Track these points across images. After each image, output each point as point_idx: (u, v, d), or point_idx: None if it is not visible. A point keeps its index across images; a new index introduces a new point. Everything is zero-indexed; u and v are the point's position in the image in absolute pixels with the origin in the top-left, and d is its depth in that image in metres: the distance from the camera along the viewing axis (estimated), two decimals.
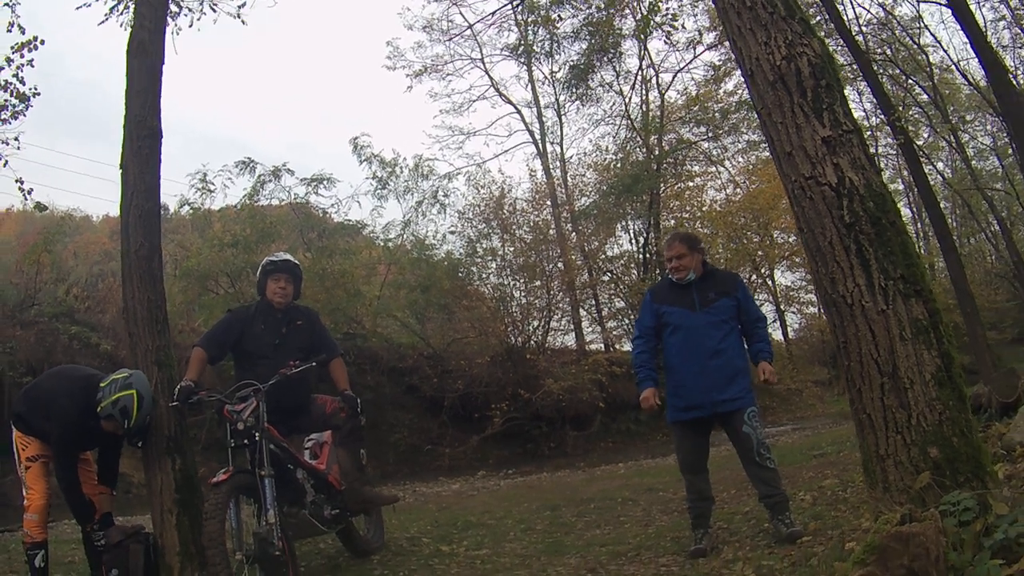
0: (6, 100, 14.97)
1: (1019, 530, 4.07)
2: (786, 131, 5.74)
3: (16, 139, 15.19)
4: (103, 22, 11.36)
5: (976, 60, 22.21)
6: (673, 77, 37.60)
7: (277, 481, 6.59)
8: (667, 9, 17.34)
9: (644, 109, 37.32)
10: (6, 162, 15.18)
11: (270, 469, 6.53)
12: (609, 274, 36.60)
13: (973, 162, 37.33)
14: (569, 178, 38.35)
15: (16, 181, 15.07)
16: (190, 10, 12.08)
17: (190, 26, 12.21)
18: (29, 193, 15.42)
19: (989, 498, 4.51)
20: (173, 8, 10.69)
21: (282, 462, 6.95)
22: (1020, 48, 30.74)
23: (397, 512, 9.90)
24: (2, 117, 15.06)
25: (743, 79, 6.48)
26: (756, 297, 40.23)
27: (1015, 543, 4.06)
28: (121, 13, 11.16)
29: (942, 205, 28.82)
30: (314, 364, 7.42)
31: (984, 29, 21.33)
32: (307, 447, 7.97)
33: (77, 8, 11.79)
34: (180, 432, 7.33)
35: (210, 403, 7.17)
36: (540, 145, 39.24)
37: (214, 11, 12.51)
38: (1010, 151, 33.42)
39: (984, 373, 16.57)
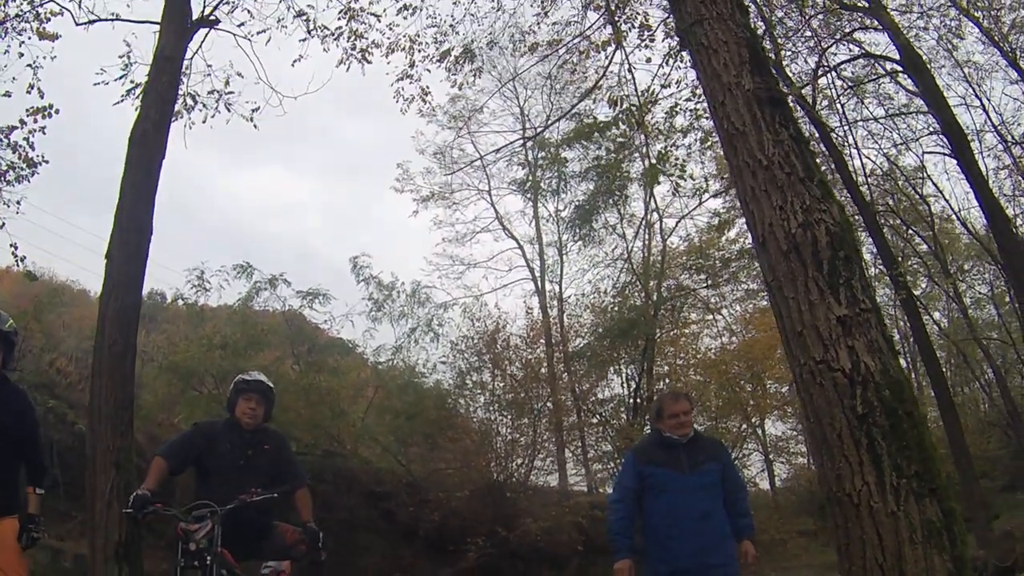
0: (12, 162, 14.96)
1: None
2: (798, 308, 5.49)
3: (18, 203, 15.17)
4: (118, 103, 11.42)
5: (977, 209, 22.45)
6: (676, 223, 37.93)
7: None
8: (676, 159, 17.35)
9: (645, 254, 37.57)
10: (3, 223, 15.10)
11: None
12: (598, 416, 36.31)
13: (970, 311, 37.64)
14: (565, 317, 38.42)
15: (11, 246, 15.02)
16: (204, 106, 12.12)
17: (203, 122, 12.25)
18: (22, 260, 15.35)
19: None
20: (189, 102, 10.69)
21: None
22: (1021, 196, 31.09)
23: None
24: (7, 179, 15.05)
25: (753, 245, 6.24)
26: (745, 447, 40.20)
27: None
28: (137, 96, 11.17)
29: (938, 356, 28.81)
30: (275, 495, 7.14)
31: (986, 177, 21.48)
32: (264, 574, 7.64)
33: (94, 84, 11.81)
34: (132, 539, 7.06)
35: (165, 517, 6.84)
36: (539, 282, 39.39)
37: (228, 111, 12.55)
38: (1007, 299, 33.75)
39: (978, 529, 16.32)
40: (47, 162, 15.03)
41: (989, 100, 33.53)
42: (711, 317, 40.62)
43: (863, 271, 5.63)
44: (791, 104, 6.47)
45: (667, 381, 34.50)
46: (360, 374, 31.60)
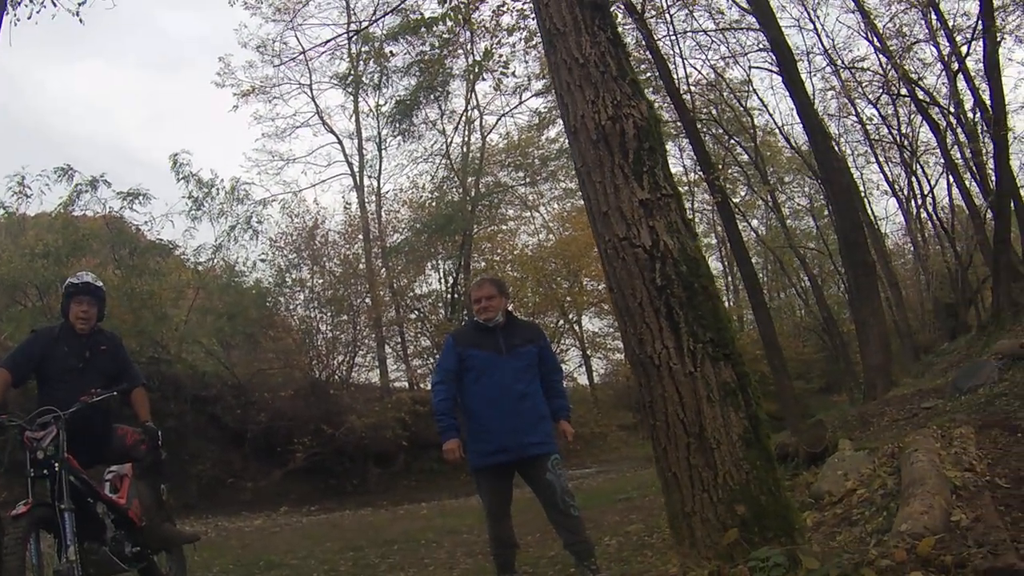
0: None
1: None
2: (604, 191, 5.79)
3: None
4: None
5: (800, 125, 23.13)
6: (497, 120, 38.07)
7: (77, 515, 6.29)
8: (500, 56, 17.46)
9: (465, 150, 37.60)
10: None
11: (70, 503, 6.22)
12: (416, 312, 36.72)
13: (788, 221, 38.93)
14: (384, 213, 38.23)
15: None
16: (31, 1, 11.68)
17: (28, 17, 11.79)
18: None
19: (799, 553, 4.61)
20: None
21: (82, 495, 6.62)
22: (845, 117, 32.31)
23: (199, 549, 9.59)
24: None
25: (566, 135, 6.52)
26: (563, 342, 41.10)
27: None
28: None
29: (754, 261, 29.89)
30: (115, 393, 7.11)
31: (812, 97, 22.24)
32: (107, 479, 7.60)
33: None
34: None
35: (11, 427, 6.80)
36: (358, 178, 38.96)
37: (55, 5, 12.11)
38: (826, 212, 34.91)
39: (791, 422, 17.14)
40: None
41: (823, 24, 34.68)
42: (529, 214, 41.19)
43: (666, 162, 5.96)
44: (614, 10, 6.73)
45: (490, 276, 34.83)
46: (181, 276, 31.03)
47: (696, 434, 5.29)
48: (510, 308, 7.60)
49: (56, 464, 6.32)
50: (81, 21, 13.01)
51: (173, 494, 8.24)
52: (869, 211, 33.83)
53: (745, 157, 33.47)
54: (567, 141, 7.34)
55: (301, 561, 10.20)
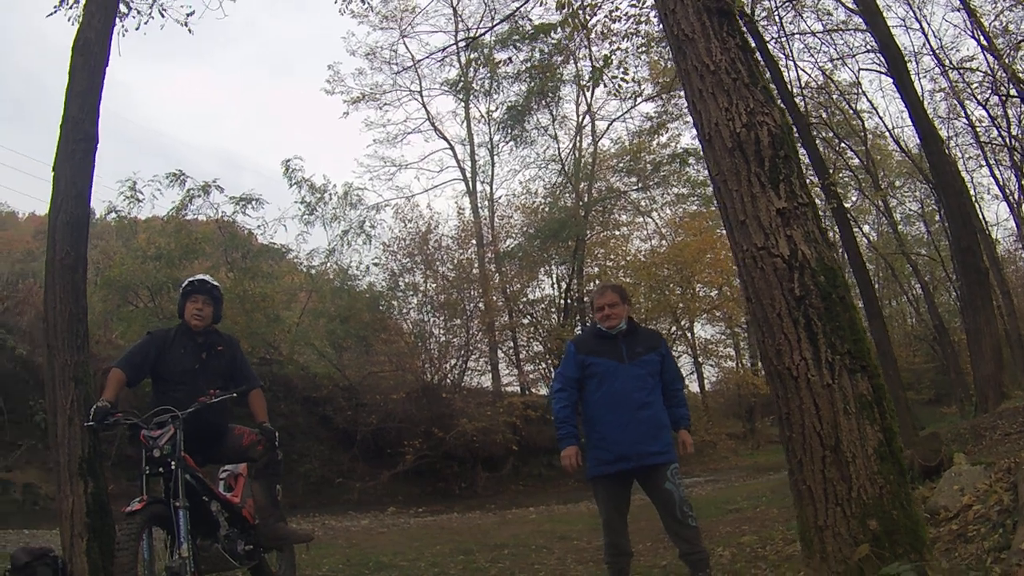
0: None
1: None
2: (741, 200, 5.70)
3: None
4: (52, 14, 11.12)
5: (911, 128, 22.65)
6: (608, 125, 38.02)
7: (191, 513, 6.35)
8: (618, 62, 17.43)
9: (577, 155, 37.55)
10: None
11: (185, 500, 6.28)
12: (529, 317, 36.70)
13: (900, 227, 38.17)
14: (496, 218, 38.38)
15: None
16: (139, 12, 11.86)
17: (136, 28, 11.98)
18: None
19: (928, 568, 4.49)
20: (122, 9, 10.45)
21: (197, 493, 6.68)
22: (955, 119, 31.55)
23: (308, 548, 9.67)
24: None
25: (700, 143, 6.43)
26: (674, 348, 40.79)
27: None
28: (71, 6, 10.94)
29: (867, 268, 29.37)
30: (235, 395, 7.15)
31: (922, 99, 21.73)
32: (221, 478, 7.73)
33: None
34: (94, 454, 7.11)
35: (126, 426, 6.88)
36: (470, 183, 39.22)
37: (163, 16, 12.29)
38: (937, 218, 34.19)
39: (904, 435, 16.73)
40: None
41: (929, 24, 33.92)
42: (641, 220, 41.07)
43: (801, 170, 5.88)
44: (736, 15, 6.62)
45: (597, 282, 34.68)
46: (294, 279, 31.55)
47: (832, 447, 5.18)
48: (631, 316, 7.49)
49: (172, 463, 6.38)
50: (190, 31, 13.23)
51: (283, 494, 8.26)
52: (981, 216, 33.02)
53: (856, 161, 32.89)
54: (681, 144, 7.25)
55: (410, 563, 10.20)
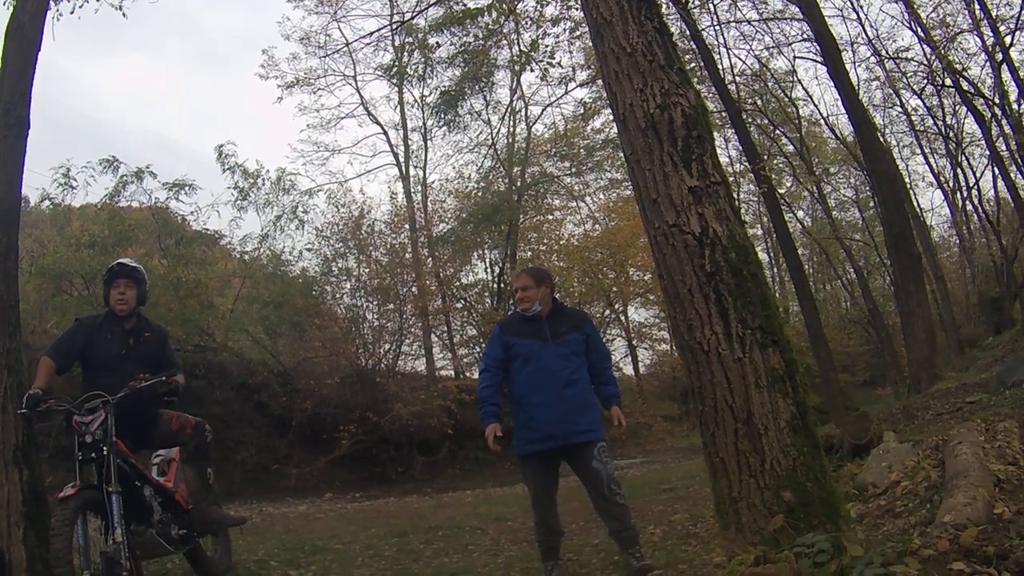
0: None
1: (875, 572, 4.15)
2: (653, 178, 5.82)
3: None
4: None
5: (846, 116, 22.96)
6: (542, 111, 38.20)
7: (124, 498, 6.37)
8: (546, 46, 17.46)
9: (510, 140, 37.63)
10: None
11: (117, 485, 6.30)
12: (463, 301, 36.80)
13: (834, 212, 38.65)
14: (429, 203, 38.30)
15: None
16: None
17: (71, 12, 11.85)
18: None
19: (843, 540, 4.60)
20: None
21: (130, 478, 6.71)
22: (890, 107, 32.04)
23: (244, 533, 9.73)
24: None
25: (615, 123, 6.54)
26: (608, 332, 41.05)
27: None
28: None
29: (800, 252, 29.72)
30: (164, 378, 7.16)
31: (857, 87, 22.06)
32: (154, 463, 7.72)
33: None
34: (28, 442, 7.12)
35: (59, 412, 6.87)
36: (403, 168, 39.16)
37: (97, 0, 12.18)
38: (872, 204, 34.60)
39: (835, 414, 17.00)
40: None
41: (866, 14, 34.35)
42: (575, 204, 41.29)
43: (714, 150, 5.99)
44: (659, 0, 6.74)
45: (530, 267, 34.75)
46: (227, 265, 31.32)
47: (744, 420, 5.32)
48: (556, 297, 7.59)
49: (104, 448, 6.40)
50: (124, 15, 13.12)
51: (218, 480, 8.30)
52: (915, 203, 33.54)
53: (791, 148, 33.20)
54: (615, 130, 7.40)
55: (346, 546, 10.25)
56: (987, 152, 30.09)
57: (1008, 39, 23.92)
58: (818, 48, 22.41)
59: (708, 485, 5.94)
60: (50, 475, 7.91)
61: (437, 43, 29.40)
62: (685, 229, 5.62)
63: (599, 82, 30.89)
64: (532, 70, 20.94)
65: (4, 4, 10.37)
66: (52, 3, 9.63)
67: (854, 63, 28.20)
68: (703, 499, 10.72)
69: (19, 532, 6.68)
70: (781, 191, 31.43)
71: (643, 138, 5.91)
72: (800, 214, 42.00)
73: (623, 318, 43.27)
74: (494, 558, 8.84)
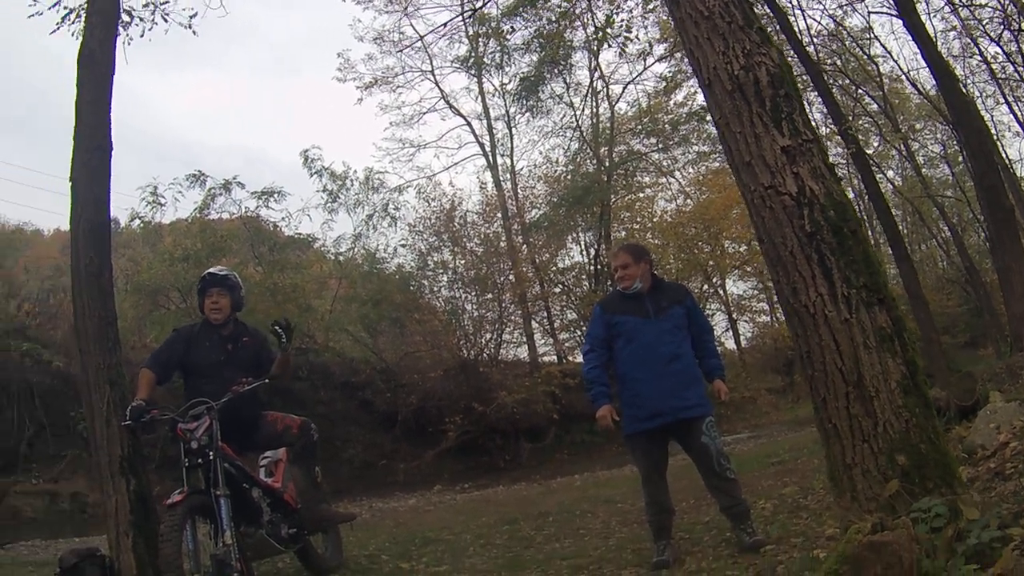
0: None
1: (992, 534, 4.03)
2: (745, 141, 5.68)
3: None
4: (54, 31, 11.18)
5: (927, 70, 22.43)
6: (623, 89, 37.82)
7: (233, 501, 6.45)
8: (621, 21, 17.31)
9: (594, 121, 37.41)
10: None
11: (225, 489, 6.39)
12: (560, 286, 36.60)
13: (923, 170, 37.75)
14: (519, 190, 38.12)
15: None
16: (141, 19, 11.90)
17: (141, 36, 12.02)
18: None
19: (959, 503, 4.46)
20: (125, 18, 10.49)
21: (237, 481, 6.80)
22: (970, 57, 31.15)
23: (354, 529, 9.77)
24: None
25: (700, 89, 6.43)
26: (708, 307, 40.67)
27: (988, 547, 4.02)
28: (72, 22, 11.00)
29: (893, 213, 29.12)
30: (266, 380, 7.23)
31: (935, 39, 21.50)
32: (262, 465, 7.82)
33: (29, 16, 11.54)
34: (133, 452, 7.20)
35: (163, 422, 6.99)
36: (490, 157, 39.13)
37: (165, 21, 12.33)
38: (960, 158, 33.75)
39: (940, 377, 16.61)
40: None
41: None
42: (664, 180, 40.79)
43: (803, 107, 5.83)
44: None
45: (627, 244, 34.46)
46: (322, 267, 31.69)
47: (855, 383, 5.14)
48: (655, 272, 7.49)
49: (210, 453, 6.48)
50: (195, 33, 13.29)
51: (326, 478, 8.36)
52: (1003, 153, 32.57)
53: (874, 107, 32.51)
54: (698, 102, 7.26)
55: (456, 536, 10.26)
56: None
57: None
58: (891, 1, 21.92)
59: (816, 457, 5.82)
60: (158, 484, 8.04)
61: (514, 28, 29.32)
62: (781, 190, 5.47)
63: (677, 55, 30.73)
64: (610, 46, 20.74)
65: (73, 35, 10.58)
66: (121, 29, 9.73)
67: (928, 14, 27.52)
68: (812, 471, 10.54)
69: (128, 540, 6.77)
70: (868, 151, 30.77)
71: (730, 101, 5.78)
72: (890, 174, 41.08)
73: (721, 292, 42.89)
74: (605, 541, 8.76)
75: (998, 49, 29.60)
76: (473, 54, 35.86)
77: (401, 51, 35.96)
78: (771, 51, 5.87)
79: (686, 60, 32.63)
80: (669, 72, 33.81)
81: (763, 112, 5.63)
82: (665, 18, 25.31)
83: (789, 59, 22.24)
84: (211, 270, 8.03)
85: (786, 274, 5.48)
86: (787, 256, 5.44)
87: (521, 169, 40.22)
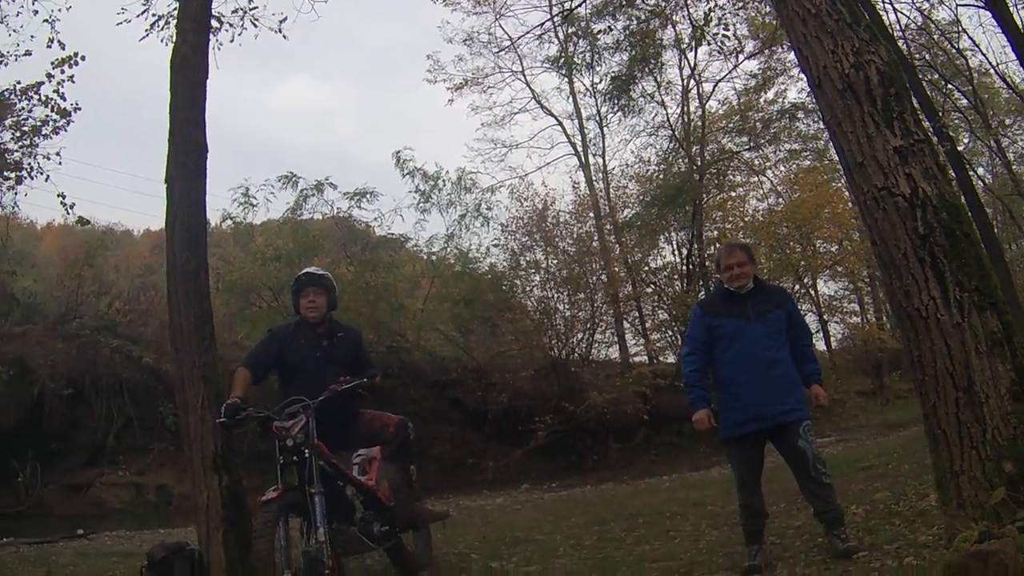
0: (47, 116, 15.16)
1: None
2: (857, 141, 5.64)
3: (58, 154, 15.47)
4: (144, 38, 11.40)
5: (1016, 63, 21.97)
6: (714, 87, 37.48)
7: (327, 498, 6.51)
8: (719, 19, 17.23)
9: (685, 119, 37.17)
10: (48, 177, 15.37)
11: (320, 486, 6.45)
12: (652, 286, 36.38)
13: (1014, 166, 36.90)
14: (611, 189, 38.03)
15: (58, 196, 15.32)
16: (231, 25, 12.09)
17: (231, 41, 12.22)
18: (71, 208, 15.58)
19: None
20: (214, 24, 10.65)
21: (331, 479, 6.86)
22: None
23: (444, 527, 9.82)
24: (44, 132, 15.25)
25: (810, 88, 6.38)
26: (800, 307, 40.14)
27: None
28: (161, 28, 11.22)
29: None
30: (365, 380, 7.29)
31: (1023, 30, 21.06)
32: (356, 463, 7.86)
33: (118, 24, 11.79)
34: (227, 448, 7.33)
35: (258, 419, 7.08)
36: (582, 157, 39.07)
37: (255, 26, 12.50)
38: None
39: None
40: (80, 109, 15.36)
41: None
42: (756, 179, 40.33)
43: (913, 106, 5.79)
44: None
45: (717, 246, 34.18)
46: (414, 267, 31.88)
47: (965, 388, 5.09)
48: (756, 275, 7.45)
49: (306, 451, 6.55)
50: (285, 37, 13.46)
51: (417, 476, 8.41)
52: None
53: (964, 102, 31.89)
54: (789, 100, 7.20)
55: (546, 537, 10.27)
56: None
57: None
58: None
59: (907, 462, 5.72)
60: (246, 479, 8.14)
61: (610, 27, 29.25)
62: (895, 191, 5.43)
63: (767, 52, 30.46)
64: (709, 43, 20.63)
65: (163, 41, 10.81)
66: (212, 35, 9.88)
67: (1015, 4, 26.96)
68: (903, 476, 10.39)
69: (219, 535, 6.89)
70: (959, 148, 30.22)
71: (841, 100, 5.74)
72: (980, 171, 40.06)
73: (813, 292, 42.33)
74: (695, 543, 8.72)
75: None
76: (563, 54, 35.82)
77: (497, 53, 36.06)
78: (880, 49, 5.83)
79: (775, 56, 32.67)
80: (759, 69, 33.56)
81: (874, 112, 5.60)
82: (753, 14, 25.15)
83: None
84: (307, 270, 8.13)
85: (899, 277, 5.43)
86: (900, 258, 5.40)
87: (613, 168, 40.15)
